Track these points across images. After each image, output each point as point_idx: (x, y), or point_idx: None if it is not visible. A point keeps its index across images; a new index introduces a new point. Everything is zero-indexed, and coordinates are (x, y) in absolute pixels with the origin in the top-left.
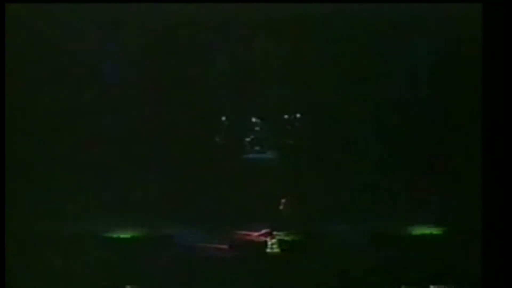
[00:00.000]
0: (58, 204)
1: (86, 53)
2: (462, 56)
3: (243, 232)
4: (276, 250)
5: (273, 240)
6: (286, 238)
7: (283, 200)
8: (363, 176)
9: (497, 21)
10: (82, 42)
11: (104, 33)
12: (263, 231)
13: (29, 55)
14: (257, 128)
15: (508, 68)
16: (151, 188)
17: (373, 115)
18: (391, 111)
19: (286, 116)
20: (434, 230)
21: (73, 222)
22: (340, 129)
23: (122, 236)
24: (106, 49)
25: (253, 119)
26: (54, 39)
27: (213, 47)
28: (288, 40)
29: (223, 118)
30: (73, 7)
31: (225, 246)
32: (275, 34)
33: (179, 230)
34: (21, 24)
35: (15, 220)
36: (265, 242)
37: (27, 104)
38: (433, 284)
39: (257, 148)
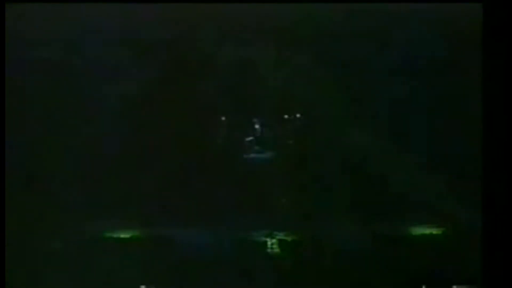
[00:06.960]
0: (58, 204)
1: (86, 49)
2: (462, 56)
3: (243, 232)
4: (276, 250)
5: (273, 240)
6: (286, 238)
7: (283, 200)
8: (363, 176)
9: (497, 21)
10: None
11: (107, 34)
12: (263, 231)
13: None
14: (256, 128)
15: (508, 68)
16: (151, 189)
17: (372, 116)
18: (390, 111)
19: (286, 116)
20: (434, 230)
21: (73, 222)
22: (340, 129)
23: (122, 236)
24: (110, 49)
25: (253, 119)
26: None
27: (214, 47)
28: (288, 41)
29: (223, 118)
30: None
31: (225, 246)
32: (275, 35)
33: (179, 230)
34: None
35: (14, 220)
36: (265, 242)
37: (27, 104)
38: (433, 284)
39: (256, 148)
